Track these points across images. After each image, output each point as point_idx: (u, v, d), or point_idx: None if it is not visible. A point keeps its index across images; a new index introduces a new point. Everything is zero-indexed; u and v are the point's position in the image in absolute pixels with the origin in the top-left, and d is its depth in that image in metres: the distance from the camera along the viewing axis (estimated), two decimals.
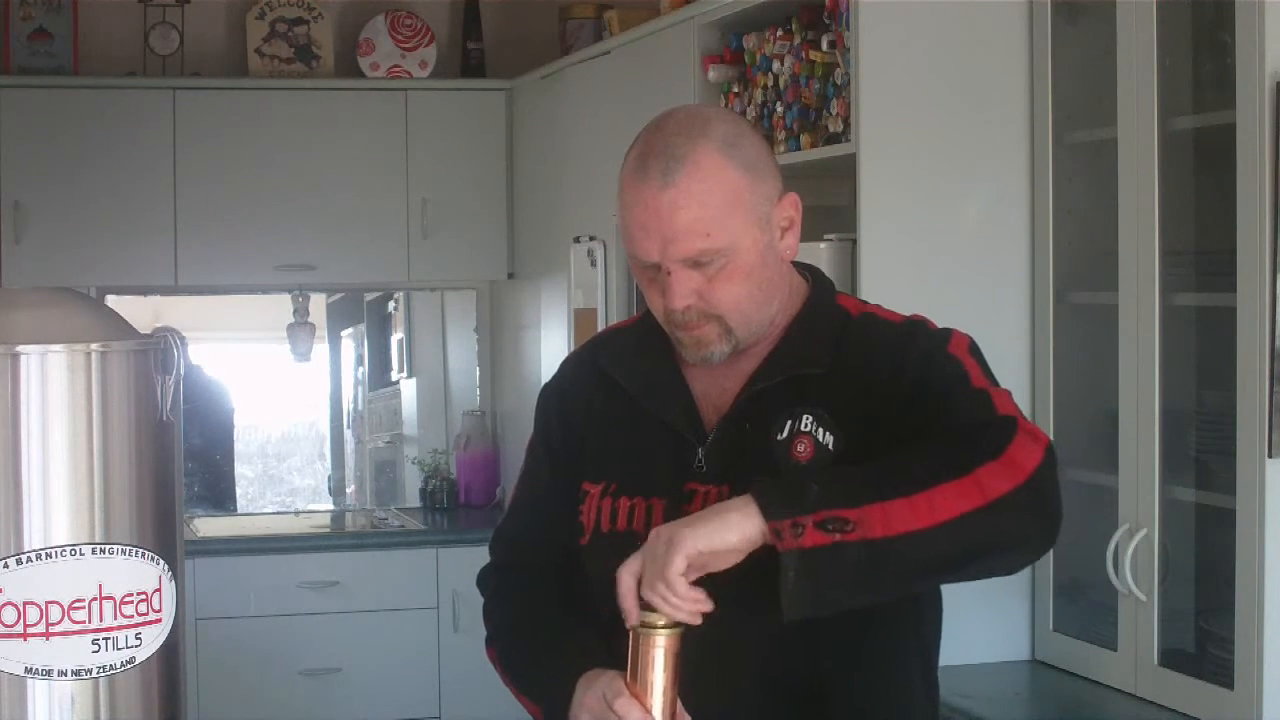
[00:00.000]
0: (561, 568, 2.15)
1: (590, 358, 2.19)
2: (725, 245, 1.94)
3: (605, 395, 2.13)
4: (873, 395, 1.97)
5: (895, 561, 1.79)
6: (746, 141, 1.99)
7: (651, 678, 1.87)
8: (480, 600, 2.26)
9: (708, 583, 1.84)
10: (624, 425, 2.10)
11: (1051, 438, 1.89)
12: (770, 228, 1.99)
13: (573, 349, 4.79)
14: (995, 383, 1.97)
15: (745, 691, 2.00)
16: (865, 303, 2.14)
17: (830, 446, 1.96)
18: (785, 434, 1.98)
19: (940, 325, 2.05)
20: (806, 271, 2.13)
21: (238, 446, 6.30)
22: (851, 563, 1.78)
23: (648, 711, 1.87)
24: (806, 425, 1.98)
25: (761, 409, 2.01)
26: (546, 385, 2.25)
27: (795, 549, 1.78)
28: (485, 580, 2.26)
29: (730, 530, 1.81)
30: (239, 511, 6.20)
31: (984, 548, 1.83)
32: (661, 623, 1.85)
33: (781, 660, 1.98)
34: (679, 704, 1.90)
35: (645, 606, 1.86)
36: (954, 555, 1.82)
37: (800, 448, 1.97)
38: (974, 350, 2.00)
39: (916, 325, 2.04)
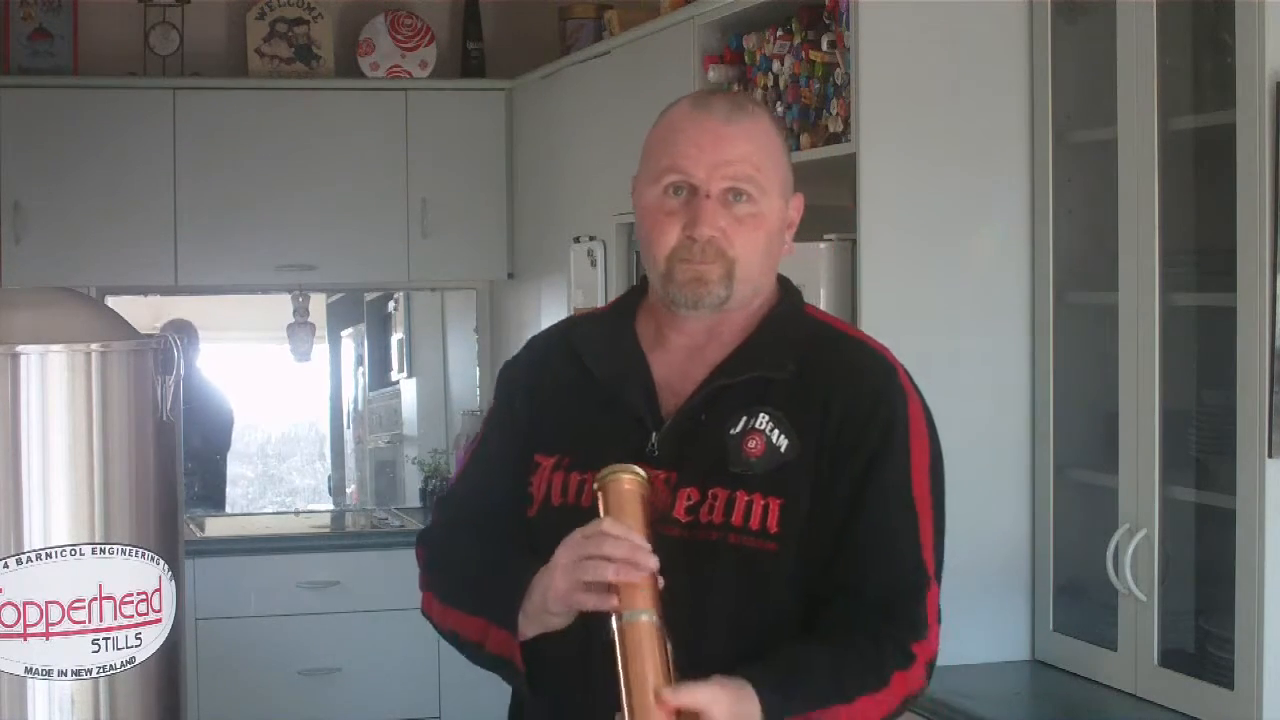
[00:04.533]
0: (507, 534, 2.14)
1: (560, 337, 2.24)
2: (764, 188, 2.05)
3: (570, 373, 2.16)
4: (826, 418, 2.03)
5: None
6: (783, 134, 2.17)
7: (625, 514, 1.93)
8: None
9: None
10: (584, 403, 2.13)
11: (941, 607, 2.04)
12: (787, 210, 2.12)
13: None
14: (936, 501, 2.05)
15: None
16: (831, 316, 2.25)
17: (782, 449, 2.02)
18: (740, 429, 2.04)
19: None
20: (777, 280, 2.19)
21: (237, 446, 6.30)
22: None
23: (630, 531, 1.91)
24: (762, 424, 2.04)
25: (720, 403, 2.06)
26: (510, 360, 2.30)
27: None
28: (426, 537, 2.29)
29: None
30: (239, 511, 6.20)
31: None
32: (626, 475, 1.94)
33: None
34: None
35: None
36: None
37: (752, 444, 2.03)
38: (933, 448, 2.07)
39: (890, 381, 2.09)
